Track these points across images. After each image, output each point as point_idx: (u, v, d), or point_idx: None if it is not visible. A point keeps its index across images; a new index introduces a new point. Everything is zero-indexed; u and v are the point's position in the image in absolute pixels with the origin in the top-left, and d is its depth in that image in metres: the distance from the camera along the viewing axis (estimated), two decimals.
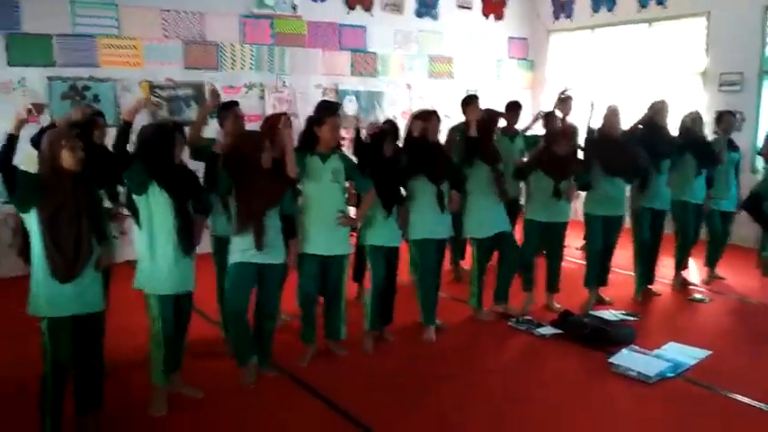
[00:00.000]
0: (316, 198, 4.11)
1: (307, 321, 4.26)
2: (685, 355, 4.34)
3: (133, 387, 3.85)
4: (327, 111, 4.18)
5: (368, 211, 4.34)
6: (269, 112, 7.50)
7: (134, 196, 3.44)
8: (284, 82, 7.82)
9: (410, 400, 3.77)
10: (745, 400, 3.73)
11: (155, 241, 3.43)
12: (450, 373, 4.17)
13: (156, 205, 3.40)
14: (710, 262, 6.22)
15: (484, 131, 4.77)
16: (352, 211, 4.37)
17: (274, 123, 3.94)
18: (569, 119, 5.74)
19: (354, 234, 4.69)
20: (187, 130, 3.86)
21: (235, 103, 4.40)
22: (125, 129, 3.38)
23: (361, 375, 4.13)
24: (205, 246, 4.08)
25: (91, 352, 3.24)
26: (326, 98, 7.88)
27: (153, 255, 3.44)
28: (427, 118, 4.61)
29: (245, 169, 3.70)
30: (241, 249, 3.77)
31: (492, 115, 5.03)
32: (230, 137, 4.07)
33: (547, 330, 4.81)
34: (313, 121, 4.16)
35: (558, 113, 5.82)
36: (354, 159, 4.38)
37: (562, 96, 5.79)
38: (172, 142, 3.42)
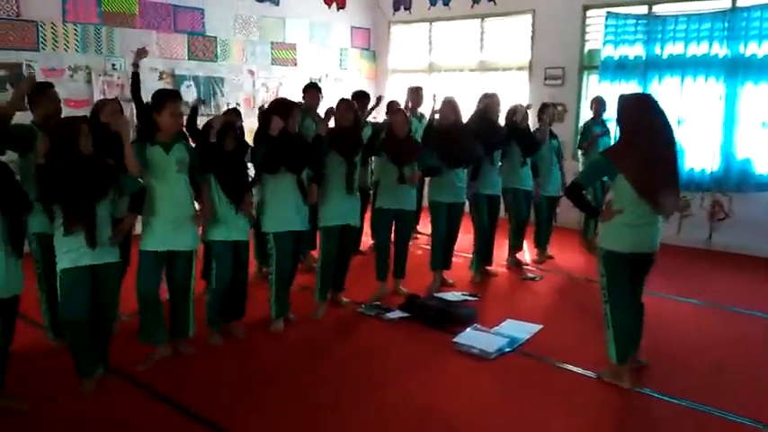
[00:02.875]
0: (161, 191, 3.85)
1: (153, 320, 4.01)
2: (520, 330, 4.65)
3: None
4: (166, 96, 3.93)
5: (210, 205, 4.17)
6: (98, 97, 6.96)
7: None
8: (114, 65, 7.28)
9: (263, 395, 3.70)
10: (576, 369, 4.07)
11: None
12: (302, 363, 4.14)
13: None
14: (540, 243, 6.74)
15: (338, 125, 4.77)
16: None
17: (100, 109, 3.66)
18: (420, 110, 5.95)
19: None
20: None
21: (49, 85, 4.07)
22: None
23: (211, 373, 3.98)
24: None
25: None
26: (163, 83, 7.51)
27: None
28: (289, 112, 4.46)
29: (64, 161, 3.38)
30: (69, 251, 3.46)
31: (327, 112, 5.01)
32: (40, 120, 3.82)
33: (395, 314, 4.93)
34: (151, 108, 3.90)
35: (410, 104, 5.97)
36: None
37: (413, 87, 5.95)
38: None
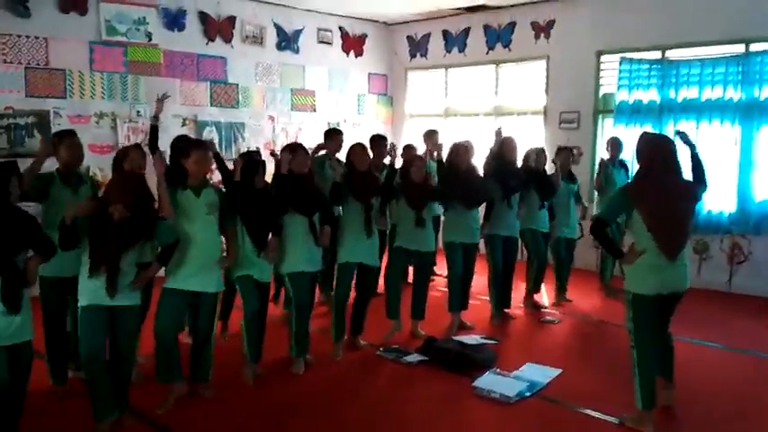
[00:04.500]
0: (190, 233, 3.92)
1: (169, 359, 4.03)
2: (540, 374, 4.62)
3: None
4: (192, 143, 4.06)
5: (236, 247, 4.24)
6: (122, 142, 7.15)
7: None
8: (138, 111, 7.49)
9: None
10: (596, 414, 4.02)
11: None
12: (322, 406, 4.14)
13: None
14: (558, 285, 6.71)
15: (354, 169, 4.85)
16: None
17: (122, 157, 3.75)
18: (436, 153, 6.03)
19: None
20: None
21: (71, 133, 4.20)
22: None
23: (232, 415, 3.99)
24: None
25: None
26: (186, 129, 7.68)
27: None
28: (294, 150, 4.59)
29: (102, 214, 3.48)
30: (91, 290, 3.52)
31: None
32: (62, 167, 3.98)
33: (413, 358, 4.92)
34: (179, 154, 4.02)
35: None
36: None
37: (428, 131, 6.02)
38: (7, 182, 3.13)
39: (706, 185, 3.95)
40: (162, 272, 3.97)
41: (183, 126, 7.75)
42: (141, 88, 7.50)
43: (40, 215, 3.92)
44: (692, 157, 3.96)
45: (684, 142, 4.03)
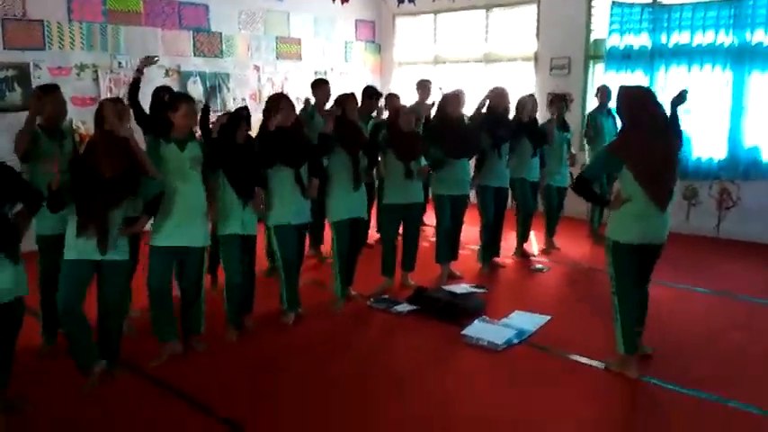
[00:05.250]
0: (174, 188, 3.88)
1: (164, 317, 4.05)
2: (529, 321, 4.67)
3: None
4: (181, 97, 3.96)
5: (218, 200, 4.21)
6: (105, 94, 7.01)
7: None
8: (120, 63, 7.31)
9: (274, 388, 3.74)
10: (582, 359, 4.09)
11: None
12: (313, 356, 4.18)
13: None
14: (547, 234, 6.74)
15: (343, 118, 4.76)
16: None
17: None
18: (428, 102, 5.94)
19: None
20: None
21: (55, 87, 4.10)
22: None
23: (223, 368, 4.03)
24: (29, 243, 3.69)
25: None
26: (170, 79, 7.52)
27: None
28: (277, 105, 4.45)
29: (86, 174, 3.43)
30: (74, 244, 3.52)
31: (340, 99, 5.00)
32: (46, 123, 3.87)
33: (403, 307, 4.96)
34: (165, 106, 3.94)
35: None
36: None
37: (421, 80, 5.92)
38: None
39: (682, 142, 3.96)
40: (149, 227, 3.94)
41: (166, 77, 7.58)
42: (122, 38, 7.30)
43: (25, 172, 3.86)
44: (671, 115, 3.92)
45: (679, 102, 3.96)
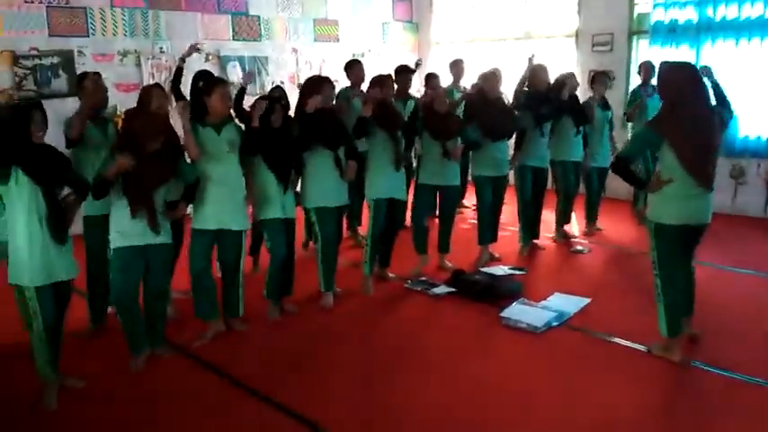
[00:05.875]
0: (212, 171, 3.95)
1: (206, 297, 4.15)
2: (569, 304, 4.62)
3: (16, 384, 3.63)
4: (215, 80, 4.01)
5: (256, 185, 4.26)
6: (147, 80, 7.13)
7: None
8: (162, 48, 7.42)
9: (314, 368, 3.80)
10: (625, 342, 4.03)
11: (26, 231, 3.20)
12: (352, 337, 4.23)
13: (21, 192, 3.17)
14: (589, 215, 6.63)
15: (381, 100, 4.74)
16: None
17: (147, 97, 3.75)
18: (462, 82, 5.86)
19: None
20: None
21: (96, 75, 4.19)
22: None
23: (264, 347, 4.11)
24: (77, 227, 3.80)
25: None
26: (210, 64, 7.60)
27: (25, 246, 3.21)
28: (319, 88, 4.45)
29: (132, 150, 3.50)
30: (121, 231, 3.60)
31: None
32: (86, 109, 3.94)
33: (441, 290, 4.96)
34: (201, 92, 3.99)
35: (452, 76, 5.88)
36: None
37: (454, 60, 5.85)
38: (27, 121, 3.18)
39: (732, 113, 3.86)
40: (190, 210, 4.02)
41: (206, 62, 7.65)
42: (162, 24, 7.40)
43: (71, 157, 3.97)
44: (715, 91, 3.82)
45: (708, 79, 3.87)
